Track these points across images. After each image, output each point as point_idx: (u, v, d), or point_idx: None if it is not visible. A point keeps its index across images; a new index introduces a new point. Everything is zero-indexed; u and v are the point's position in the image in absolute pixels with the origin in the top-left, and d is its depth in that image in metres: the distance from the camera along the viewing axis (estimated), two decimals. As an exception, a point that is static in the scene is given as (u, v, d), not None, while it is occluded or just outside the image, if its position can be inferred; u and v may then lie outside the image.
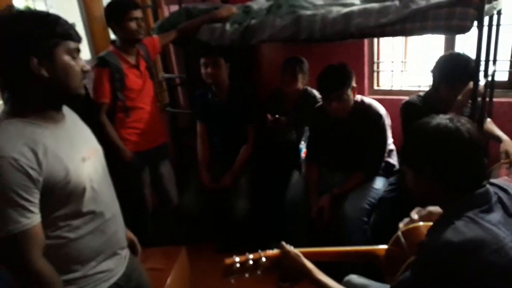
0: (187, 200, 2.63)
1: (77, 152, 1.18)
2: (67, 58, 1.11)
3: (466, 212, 1.02)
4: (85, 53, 2.77)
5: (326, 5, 2.16)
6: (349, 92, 2.13)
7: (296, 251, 1.29)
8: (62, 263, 1.15)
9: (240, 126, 2.67)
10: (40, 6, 3.38)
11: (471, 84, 1.83)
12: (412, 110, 2.07)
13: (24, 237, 1.03)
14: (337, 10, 2.01)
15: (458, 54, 2.07)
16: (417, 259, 1.06)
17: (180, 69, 3.21)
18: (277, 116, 2.56)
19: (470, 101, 1.98)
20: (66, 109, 1.25)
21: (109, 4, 2.23)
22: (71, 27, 1.13)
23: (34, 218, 1.05)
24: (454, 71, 1.94)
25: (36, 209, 1.06)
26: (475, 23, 1.72)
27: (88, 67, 1.18)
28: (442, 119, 1.08)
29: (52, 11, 3.76)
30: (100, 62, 2.17)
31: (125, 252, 1.38)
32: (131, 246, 1.49)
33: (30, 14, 1.10)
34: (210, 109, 2.68)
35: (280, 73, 2.57)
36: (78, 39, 1.14)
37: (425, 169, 1.08)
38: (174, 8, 2.82)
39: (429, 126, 1.09)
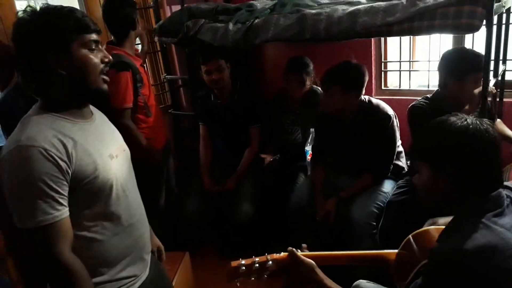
0: (190, 203, 2.59)
1: (106, 149, 1.17)
2: (84, 51, 1.09)
3: (478, 216, 1.00)
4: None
5: (332, 4, 2.13)
6: (336, 91, 2.07)
7: (310, 260, 1.25)
8: (89, 265, 1.12)
9: (243, 128, 2.63)
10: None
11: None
12: (419, 115, 2.02)
13: (53, 229, 1.02)
14: (342, 9, 1.97)
15: (465, 47, 2.03)
16: (428, 267, 1.04)
17: (182, 71, 3.18)
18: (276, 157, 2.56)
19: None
20: (94, 109, 1.26)
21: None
22: (86, 18, 1.10)
23: (64, 211, 1.04)
24: (461, 64, 1.88)
25: (65, 202, 1.05)
26: (484, 22, 1.69)
27: (110, 57, 1.16)
28: (469, 118, 1.06)
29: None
30: (122, 66, 2.12)
31: (149, 258, 1.36)
32: (158, 252, 1.51)
33: (44, 12, 1.08)
34: (213, 111, 2.64)
35: (284, 74, 2.53)
36: (94, 30, 1.11)
37: (447, 167, 1.04)
38: (176, 8, 2.79)
39: (451, 122, 1.06)
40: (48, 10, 1.08)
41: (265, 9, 2.23)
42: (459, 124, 1.05)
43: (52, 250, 1.03)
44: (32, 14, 1.06)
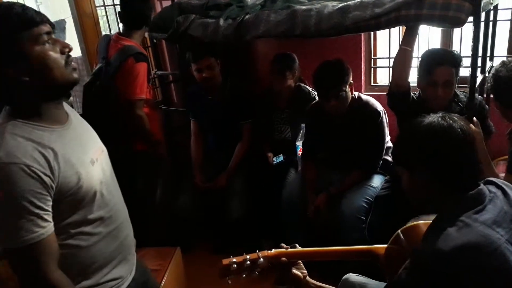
0: (182, 200, 2.59)
1: (86, 154, 1.11)
2: (38, 48, 0.98)
3: (459, 215, 1.00)
4: (76, 50, 2.72)
5: (322, 0, 2.13)
6: (347, 88, 2.10)
7: (297, 273, 1.27)
8: (75, 271, 1.10)
9: (234, 124, 2.63)
10: (30, 3, 3.31)
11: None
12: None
13: (38, 247, 0.97)
14: (333, 5, 1.98)
15: (439, 48, 2.06)
16: (411, 266, 1.04)
17: (173, 66, 3.16)
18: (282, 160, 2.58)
19: (464, 97, 1.97)
20: (68, 108, 1.17)
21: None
22: (28, 11, 0.97)
23: (49, 228, 0.99)
24: (430, 58, 1.91)
25: (50, 218, 0.99)
26: (472, 18, 1.71)
27: (70, 46, 1.05)
28: (434, 117, 1.06)
29: (42, 7, 3.72)
30: (140, 57, 2.13)
31: (134, 258, 1.34)
32: None
33: None
34: (204, 107, 2.64)
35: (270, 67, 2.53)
36: (42, 21, 0.99)
37: (419, 169, 1.06)
38: (167, 3, 2.77)
39: (421, 124, 1.07)
40: None
41: (256, 5, 2.23)
42: (424, 124, 1.06)
43: (39, 269, 0.98)
44: None
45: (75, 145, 1.09)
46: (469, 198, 1.03)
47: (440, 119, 1.05)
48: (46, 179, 0.97)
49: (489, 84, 1.88)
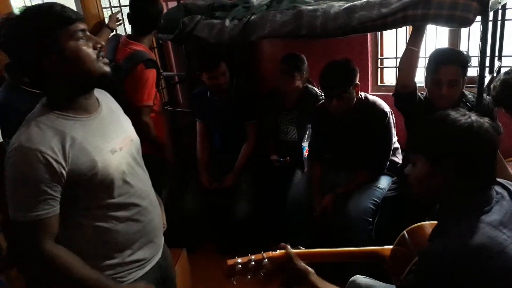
0: (187, 200, 2.59)
1: (107, 143, 1.19)
2: (73, 44, 1.08)
3: (467, 215, 1.00)
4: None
5: (328, 0, 2.12)
6: (351, 90, 2.08)
7: (303, 265, 1.24)
8: (99, 252, 1.21)
9: (240, 124, 2.63)
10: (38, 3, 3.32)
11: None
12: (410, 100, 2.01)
13: (38, 225, 1.08)
14: (339, 5, 1.97)
15: (447, 47, 2.05)
16: (418, 266, 1.04)
17: (179, 67, 3.17)
18: (281, 159, 2.56)
19: (473, 97, 1.95)
20: (104, 97, 1.28)
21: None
22: (66, 10, 1.09)
23: (51, 210, 1.09)
24: (436, 57, 1.90)
25: (54, 202, 1.09)
26: (480, 18, 1.70)
27: (102, 42, 1.16)
28: (473, 116, 1.05)
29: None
30: (150, 63, 2.12)
31: (161, 241, 1.41)
32: None
33: (24, 17, 1.06)
34: (209, 108, 2.64)
35: (279, 68, 2.52)
36: (77, 19, 1.10)
37: (446, 162, 1.03)
38: (173, 4, 2.78)
39: (460, 121, 1.03)
40: (27, 13, 1.07)
41: (262, 5, 2.23)
42: (463, 121, 1.03)
43: (36, 244, 1.09)
44: (13, 22, 1.05)
45: (96, 135, 1.17)
46: (479, 198, 1.02)
47: (474, 117, 1.04)
48: (56, 166, 1.06)
49: (494, 93, 1.86)
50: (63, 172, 1.08)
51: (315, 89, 2.59)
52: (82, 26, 1.11)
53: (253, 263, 1.22)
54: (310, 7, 2.02)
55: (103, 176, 1.14)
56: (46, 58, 1.06)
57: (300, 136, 2.65)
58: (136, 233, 1.26)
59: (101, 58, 1.14)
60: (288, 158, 2.59)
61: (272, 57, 2.88)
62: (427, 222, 1.31)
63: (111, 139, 1.21)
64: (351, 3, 1.93)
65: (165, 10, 2.88)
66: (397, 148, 2.36)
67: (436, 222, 1.13)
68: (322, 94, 2.41)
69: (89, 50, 1.11)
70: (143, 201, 1.29)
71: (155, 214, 1.36)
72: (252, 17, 2.14)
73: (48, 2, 1.10)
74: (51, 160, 1.05)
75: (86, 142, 1.13)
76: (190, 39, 2.34)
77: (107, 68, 1.16)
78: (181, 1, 2.61)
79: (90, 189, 1.14)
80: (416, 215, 1.41)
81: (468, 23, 1.68)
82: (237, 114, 2.59)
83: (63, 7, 1.09)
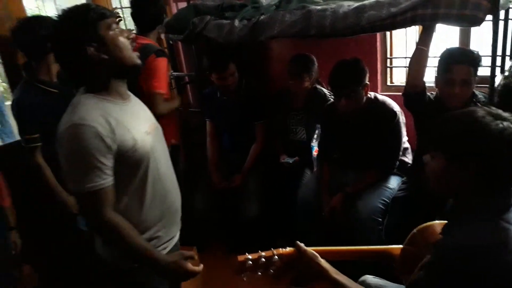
0: (198, 199, 2.61)
1: (142, 125, 1.33)
2: (112, 33, 1.24)
3: (487, 213, 0.99)
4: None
5: (338, 0, 2.12)
6: (360, 90, 2.08)
7: (312, 250, 1.26)
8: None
9: (249, 124, 2.64)
10: (50, 6, 3.39)
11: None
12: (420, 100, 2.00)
13: (98, 195, 1.19)
14: (348, 4, 1.97)
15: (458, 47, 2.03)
16: (432, 259, 1.02)
17: (189, 67, 3.19)
18: (291, 161, 2.57)
19: (483, 97, 1.94)
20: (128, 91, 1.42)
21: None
22: (100, 7, 1.26)
23: (108, 180, 1.21)
24: (447, 56, 1.89)
25: (110, 172, 1.21)
26: (490, 17, 1.68)
27: (133, 34, 1.32)
28: (505, 119, 1.00)
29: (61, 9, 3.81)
30: (161, 52, 2.19)
31: (179, 225, 1.53)
32: None
33: (69, 15, 1.22)
34: (219, 108, 2.66)
35: (287, 68, 2.52)
36: (112, 14, 1.26)
37: (467, 163, 1.00)
38: (183, 5, 2.79)
39: (490, 122, 0.98)
40: (69, 12, 1.23)
41: (271, 5, 2.23)
42: (494, 124, 0.98)
43: (98, 212, 1.20)
44: (60, 20, 1.23)
45: (133, 117, 1.31)
46: (496, 201, 1.00)
47: (508, 122, 0.99)
48: (107, 140, 1.18)
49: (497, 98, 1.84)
50: (113, 146, 1.20)
51: (324, 89, 2.59)
52: (115, 19, 1.27)
53: (263, 259, 1.23)
54: (319, 7, 2.02)
55: (142, 153, 1.27)
56: (90, 47, 1.20)
57: (309, 136, 2.66)
58: (161, 213, 1.38)
59: (133, 48, 1.29)
60: (297, 158, 2.60)
61: (281, 57, 2.89)
62: (437, 221, 1.30)
63: (144, 123, 1.35)
64: (360, 3, 1.92)
65: (175, 11, 2.92)
66: (407, 148, 2.35)
67: (447, 222, 1.12)
68: (331, 94, 2.41)
69: (124, 39, 1.26)
70: (168, 183, 1.41)
71: (177, 197, 1.49)
72: (261, 17, 2.14)
73: (84, 3, 1.23)
74: (103, 135, 1.17)
75: (126, 122, 1.26)
76: (200, 39, 2.35)
77: (138, 61, 1.30)
78: (191, 2, 2.63)
79: (129, 165, 1.26)
80: (427, 215, 1.41)
81: (478, 22, 1.67)
82: (245, 114, 2.60)
83: (97, 5, 1.26)
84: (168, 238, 1.43)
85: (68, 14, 1.22)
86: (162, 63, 2.15)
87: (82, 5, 1.27)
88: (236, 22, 2.22)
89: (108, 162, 1.20)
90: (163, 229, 1.40)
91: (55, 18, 1.24)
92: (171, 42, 2.81)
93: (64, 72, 1.34)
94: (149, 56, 2.10)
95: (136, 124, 1.30)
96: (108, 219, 1.22)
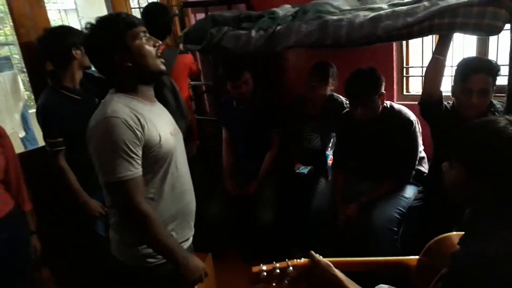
0: (213, 206, 2.63)
1: (167, 126, 1.42)
2: (138, 42, 1.31)
3: (505, 223, 0.98)
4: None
5: (353, 10, 2.13)
6: (376, 99, 2.08)
7: (326, 260, 1.26)
8: None
9: (264, 132, 2.66)
10: (73, 17, 3.49)
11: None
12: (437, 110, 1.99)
13: (131, 184, 1.25)
14: (364, 14, 1.98)
15: (476, 56, 2.01)
16: (450, 270, 1.01)
17: (206, 77, 3.24)
18: (305, 171, 2.58)
19: (501, 107, 1.92)
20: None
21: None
22: (130, 16, 1.35)
23: (139, 170, 1.28)
24: (464, 66, 1.88)
25: (140, 163, 1.28)
26: (508, 26, 1.67)
27: (159, 42, 1.39)
28: None
29: (83, 21, 3.91)
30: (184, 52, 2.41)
31: (193, 226, 1.56)
32: None
33: (99, 25, 1.31)
34: (235, 116, 2.69)
35: (306, 78, 2.54)
36: (140, 23, 1.33)
37: (489, 171, 0.98)
38: (201, 16, 2.85)
39: (510, 130, 0.97)
40: (101, 22, 1.31)
41: (287, 16, 2.25)
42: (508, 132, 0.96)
43: (131, 201, 1.26)
44: (92, 29, 1.31)
45: (159, 118, 1.39)
46: None
47: None
48: (138, 133, 1.26)
49: None
50: (143, 139, 1.27)
51: (341, 97, 2.60)
52: (143, 28, 1.34)
53: (278, 270, 1.22)
54: (335, 17, 2.04)
55: (165, 150, 1.34)
56: (116, 55, 1.29)
57: (324, 144, 2.65)
58: (177, 211, 1.43)
59: (159, 56, 1.36)
60: (312, 167, 2.60)
61: (296, 66, 2.91)
62: (454, 233, 1.29)
63: (168, 125, 1.44)
64: (377, 13, 1.93)
65: (193, 22, 2.97)
66: (423, 158, 2.33)
67: (464, 233, 1.12)
68: (348, 102, 2.42)
69: (150, 48, 1.34)
70: (185, 184, 1.47)
71: (192, 199, 1.53)
72: (278, 28, 2.17)
73: (116, 12, 1.32)
74: (134, 128, 1.25)
75: (153, 120, 1.33)
76: (218, 49, 2.39)
77: (163, 67, 1.37)
78: (209, 13, 2.67)
79: (154, 160, 1.32)
80: (443, 225, 1.40)
81: (496, 31, 1.65)
82: (260, 123, 2.62)
83: (127, 14, 1.36)
84: (181, 240, 1.47)
85: (101, 23, 1.31)
86: (188, 59, 2.46)
87: (114, 15, 1.36)
88: (253, 33, 2.24)
89: (138, 153, 1.26)
90: (176, 229, 1.44)
91: (89, 26, 1.32)
92: (189, 52, 2.86)
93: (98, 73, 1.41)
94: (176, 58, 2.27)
95: (161, 124, 1.37)
96: (140, 208, 1.26)
